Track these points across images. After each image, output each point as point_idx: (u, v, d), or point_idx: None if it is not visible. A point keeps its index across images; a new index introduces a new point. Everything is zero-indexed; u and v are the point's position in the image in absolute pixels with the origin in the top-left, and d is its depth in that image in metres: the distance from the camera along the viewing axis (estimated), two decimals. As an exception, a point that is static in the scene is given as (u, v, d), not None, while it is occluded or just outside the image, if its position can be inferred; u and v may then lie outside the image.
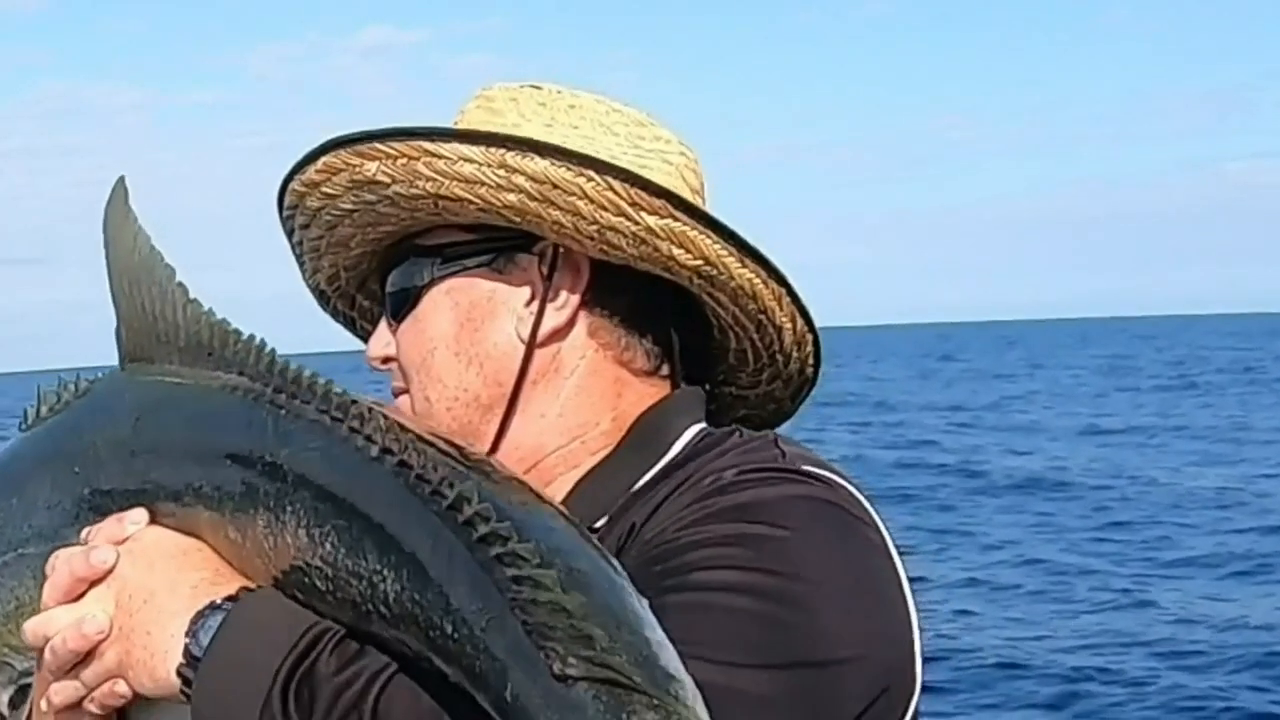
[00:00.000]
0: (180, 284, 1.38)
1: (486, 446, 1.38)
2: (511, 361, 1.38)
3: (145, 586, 1.27)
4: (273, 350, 1.29)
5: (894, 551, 1.29)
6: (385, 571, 1.13)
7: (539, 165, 1.31)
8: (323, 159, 1.38)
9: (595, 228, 1.32)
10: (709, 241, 1.34)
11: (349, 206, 1.40)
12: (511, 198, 1.32)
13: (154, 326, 1.38)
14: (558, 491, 1.36)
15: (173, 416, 1.35)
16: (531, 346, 1.37)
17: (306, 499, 1.20)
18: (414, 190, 1.35)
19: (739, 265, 1.36)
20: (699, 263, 1.35)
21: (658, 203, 1.32)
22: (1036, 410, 33.47)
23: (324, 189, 1.40)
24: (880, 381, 49.86)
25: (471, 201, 1.33)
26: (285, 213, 1.47)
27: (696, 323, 1.43)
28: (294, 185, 1.42)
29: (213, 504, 1.29)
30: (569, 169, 1.31)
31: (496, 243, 1.38)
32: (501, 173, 1.32)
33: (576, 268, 1.37)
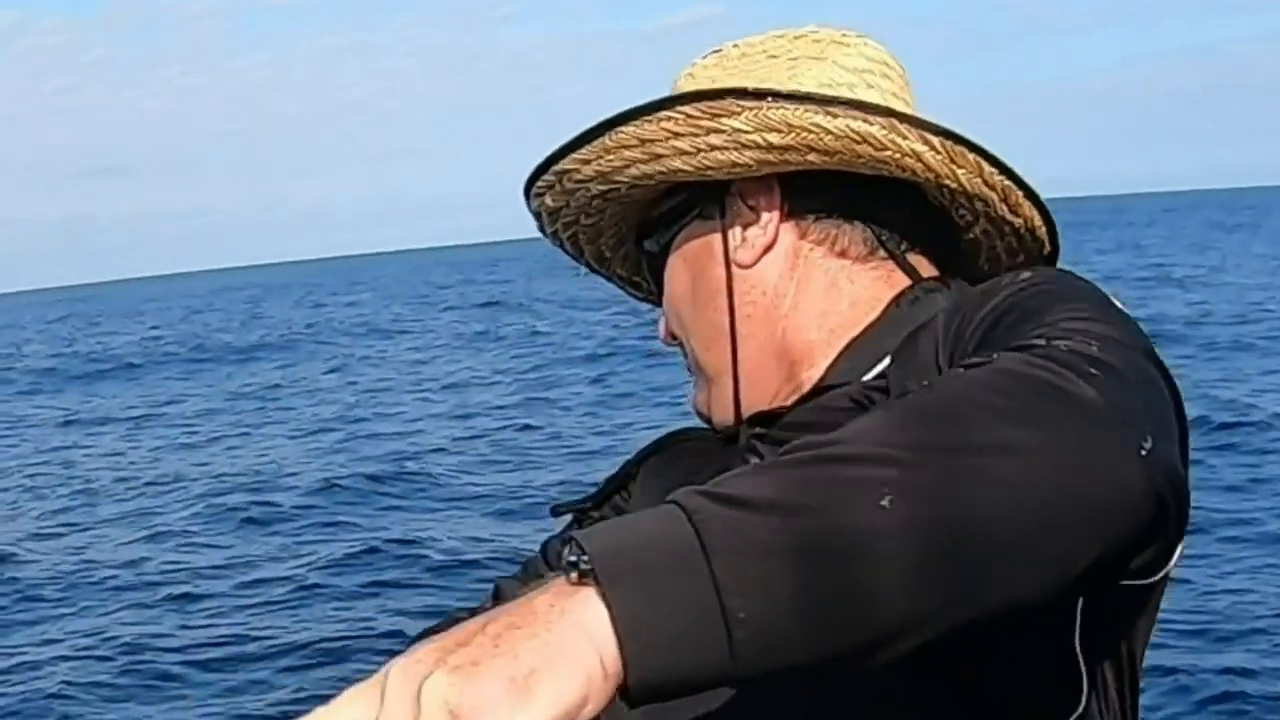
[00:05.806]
0: None
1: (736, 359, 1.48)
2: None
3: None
4: None
5: None
6: None
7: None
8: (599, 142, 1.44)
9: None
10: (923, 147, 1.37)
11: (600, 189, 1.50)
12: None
13: None
14: (821, 368, 1.43)
15: None
16: (729, 267, 1.46)
17: None
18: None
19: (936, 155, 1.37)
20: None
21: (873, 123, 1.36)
22: (1152, 271, 32.65)
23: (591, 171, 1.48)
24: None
25: (666, 169, 1.42)
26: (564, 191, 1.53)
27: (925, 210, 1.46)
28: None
29: None
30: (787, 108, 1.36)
31: (702, 192, 1.47)
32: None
33: (769, 187, 1.45)
